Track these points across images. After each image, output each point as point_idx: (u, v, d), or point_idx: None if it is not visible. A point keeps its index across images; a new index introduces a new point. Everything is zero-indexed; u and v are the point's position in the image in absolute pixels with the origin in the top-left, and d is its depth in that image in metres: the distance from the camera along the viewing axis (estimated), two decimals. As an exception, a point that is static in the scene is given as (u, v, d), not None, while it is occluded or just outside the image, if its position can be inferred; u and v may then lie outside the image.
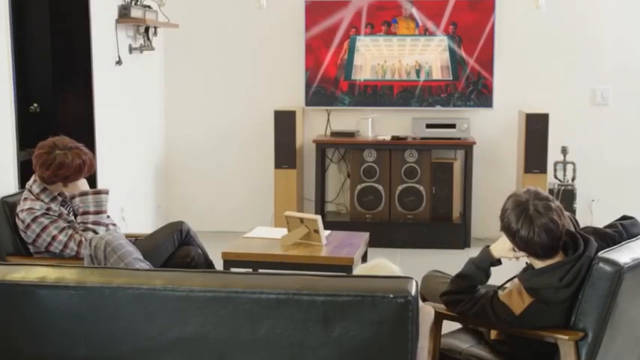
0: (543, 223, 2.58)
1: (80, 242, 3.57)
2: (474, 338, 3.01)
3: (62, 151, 3.59)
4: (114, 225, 3.80)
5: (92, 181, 4.33)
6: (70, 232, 3.59)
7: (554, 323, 2.65)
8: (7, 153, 4.04)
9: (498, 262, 2.81)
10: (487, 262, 2.80)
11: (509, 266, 2.90)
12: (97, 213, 3.70)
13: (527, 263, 2.80)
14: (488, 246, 2.84)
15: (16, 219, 3.63)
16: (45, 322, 2.18)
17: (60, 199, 3.70)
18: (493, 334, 2.91)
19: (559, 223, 2.61)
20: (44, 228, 3.56)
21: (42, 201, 3.62)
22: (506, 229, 2.67)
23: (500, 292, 2.74)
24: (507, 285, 2.81)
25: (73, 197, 3.69)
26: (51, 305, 2.17)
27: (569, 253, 2.65)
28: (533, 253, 2.66)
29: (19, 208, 3.63)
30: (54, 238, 3.56)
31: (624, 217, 2.96)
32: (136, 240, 3.72)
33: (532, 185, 2.78)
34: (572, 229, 2.80)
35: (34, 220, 3.56)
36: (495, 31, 6.03)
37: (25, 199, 3.63)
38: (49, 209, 3.61)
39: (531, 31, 6.17)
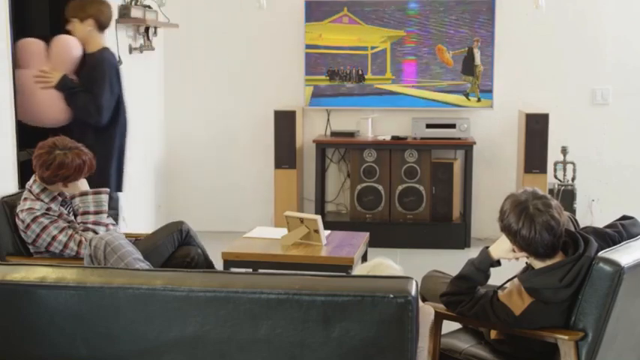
0: (544, 221, 2.58)
1: (80, 242, 3.57)
2: (474, 338, 3.01)
3: (62, 151, 3.59)
4: (114, 225, 3.80)
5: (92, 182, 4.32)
6: (70, 232, 3.59)
7: (554, 323, 2.65)
8: (7, 153, 4.03)
9: (497, 263, 2.81)
10: (486, 263, 2.80)
11: (509, 266, 2.90)
12: (97, 213, 3.69)
13: (527, 263, 2.80)
14: (487, 247, 2.83)
15: (16, 219, 3.63)
16: (45, 322, 2.18)
17: (60, 199, 3.70)
18: (493, 334, 2.91)
19: (559, 220, 2.60)
20: (44, 228, 3.56)
21: (42, 201, 3.61)
22: (507, 229, 2.66)
23: (500, 293, 2.74)
24: (507, 285, 2.81)
25: (73, 197, 3.69)
26: (51, 305, 2.17)
27: (569, 253, 2.65)
28: (534, 253, 2.65)
29: (19, 208, 3.63)
30: (54, 238, 3.56)
31: (624, 217, 2.96)
32: (136, 240, 3.72)
33: (530, 186, 2.77)
34: (572, 229, 2.79)
35: (34, 220, 3.56)
36: (495, 31, 6.03)
37: (25, 199, 3.63)
38: (49, 209, 3.61)
39: (531, 31, 6.16)
